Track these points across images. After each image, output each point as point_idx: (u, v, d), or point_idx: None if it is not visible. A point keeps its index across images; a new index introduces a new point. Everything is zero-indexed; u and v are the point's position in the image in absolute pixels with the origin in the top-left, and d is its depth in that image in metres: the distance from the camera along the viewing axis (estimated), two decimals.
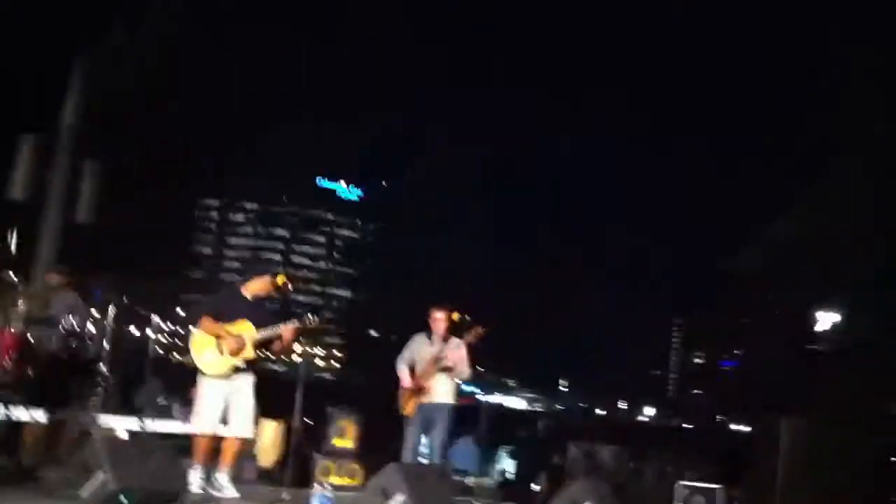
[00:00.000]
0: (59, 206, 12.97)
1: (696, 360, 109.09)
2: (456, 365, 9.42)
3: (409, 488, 7.48)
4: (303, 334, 8.20)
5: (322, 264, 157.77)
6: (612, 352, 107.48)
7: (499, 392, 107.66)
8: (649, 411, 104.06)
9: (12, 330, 9.36)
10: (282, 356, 8.57)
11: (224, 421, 8.05)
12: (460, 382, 9.71)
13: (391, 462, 8.13)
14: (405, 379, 9.44)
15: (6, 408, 8.66)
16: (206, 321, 8.03)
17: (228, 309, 8.11)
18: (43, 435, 8.79)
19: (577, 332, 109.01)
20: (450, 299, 9.80)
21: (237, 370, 8.01)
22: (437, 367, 9.37)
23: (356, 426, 10.06)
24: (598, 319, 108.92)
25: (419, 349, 9.61)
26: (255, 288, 8.29)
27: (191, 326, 8.22)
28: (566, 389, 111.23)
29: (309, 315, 8.18)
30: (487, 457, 13.61)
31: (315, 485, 7.62)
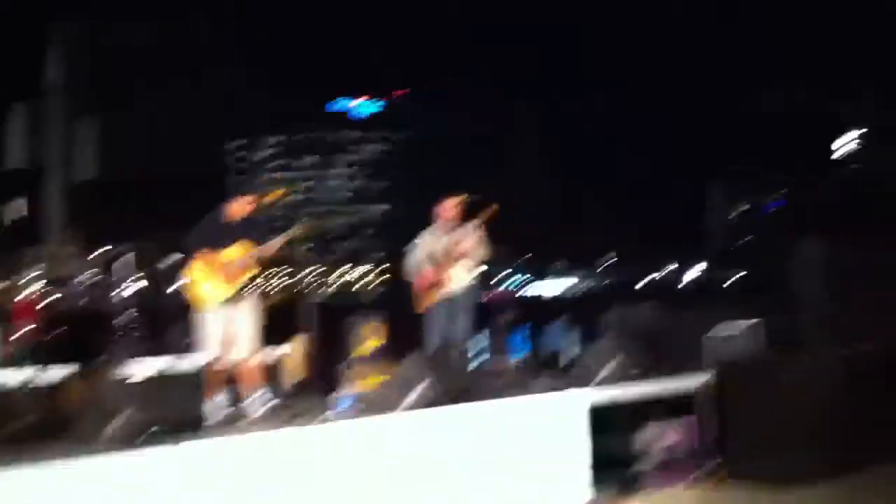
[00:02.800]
0: (61, 167, 13.06)
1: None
2: (472, 250, 9.28)
3: (431, 374, 7.49)
4: (294, 243, 8.26)
5: (356, 183, 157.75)
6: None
7: (551, 276, 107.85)
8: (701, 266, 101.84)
9: (30, 294, 9.55)
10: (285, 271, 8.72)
11: (229, 347, 8.06)
12: (480, 267, 9.56)
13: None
14: (417, 277, 9.37)
15: (41, 368, 8.92)
16: (199, 254, 8.04)
17: (216, 237, 8.09)
18: (77, 388, 9.03)
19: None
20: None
21: (236, 295, 8.06)
22: (452, 258, 9.28)
23: (379, 329, 10.11)
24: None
25: (430, 244, 9.47)
26: (237, 210, 8.26)
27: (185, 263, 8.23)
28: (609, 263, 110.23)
29: (299, 224, 8.23)
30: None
31: (339, 388, 7.74)
